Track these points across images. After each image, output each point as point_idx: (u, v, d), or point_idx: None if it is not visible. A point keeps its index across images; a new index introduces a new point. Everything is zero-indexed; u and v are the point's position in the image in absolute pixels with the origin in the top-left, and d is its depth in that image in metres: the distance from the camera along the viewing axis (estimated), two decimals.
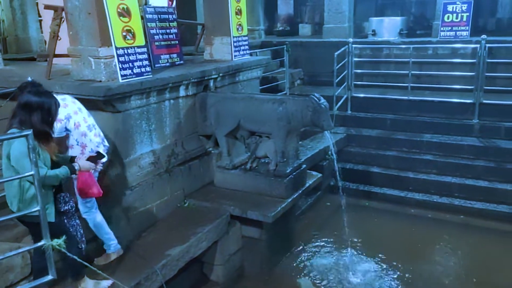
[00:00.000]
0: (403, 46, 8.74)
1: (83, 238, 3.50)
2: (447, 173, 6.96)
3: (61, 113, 3.50)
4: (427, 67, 8.44)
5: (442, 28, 8.93)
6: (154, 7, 5.65)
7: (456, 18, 8.78)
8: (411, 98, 7.91)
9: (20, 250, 3.17)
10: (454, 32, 8.83)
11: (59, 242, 2.85)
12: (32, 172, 2.65)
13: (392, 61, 8.88)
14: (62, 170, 2.97)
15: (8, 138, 2.81)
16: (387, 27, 10.02)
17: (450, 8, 8.81)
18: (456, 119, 7.51)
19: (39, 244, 2.82)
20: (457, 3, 8.76)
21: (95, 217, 3.85)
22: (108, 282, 3.54)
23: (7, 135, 2.83)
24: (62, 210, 3.26)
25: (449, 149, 7.17)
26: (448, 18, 8.85)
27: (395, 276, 5.07)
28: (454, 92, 7.85)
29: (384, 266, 5.26)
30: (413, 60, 8.02)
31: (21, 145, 2.73)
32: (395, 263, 5.29)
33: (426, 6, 11.41)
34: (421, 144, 7.41)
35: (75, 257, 3.03)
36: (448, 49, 8.49)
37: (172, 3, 6.51)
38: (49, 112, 2.95)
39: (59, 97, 3.47)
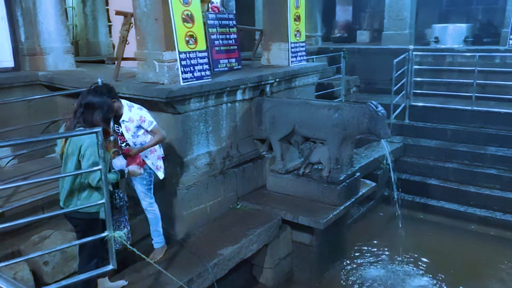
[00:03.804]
0: (468, 54, 8.36)
1: (129, 235, 3.70)
2: None
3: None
4: (493, 77, 7.99)
5: (511, 36, 8.43)
6: (216, 14, 5.82)
7: None
8: (475, 108, 7.54)
9: (84, 240, 3.37)
10: None
11: (120, 234, 3.02)
12: (100, 167, 2.83)
13: (456, 70, 8.50)
14: (114, 175, 3.16)
15: (79, 134, 3.03)
16: (451, 34, 9.64)
17: None
18: None
19: (103, 235, 2.99)
20: None
21: (156, 210, 4.06)
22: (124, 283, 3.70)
23: (78, 131, 3.05)
24: (118, 206, 3.47)
25: None
26: None
27: None
28: None
29: (439, 284, 5.03)
30: (478, 69, 7.64)
31: (93, 139, 2.88)
32: (451, 281, 5.04)
33: (494, 13, 10.83)
34: (484, 157, 7.03)
35: (134, 249, 3.19)
36: None
37: (218, 10, 6.65)
38: (108, 111, 3.16)
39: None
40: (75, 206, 3.06)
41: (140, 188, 3.94)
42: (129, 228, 3.73)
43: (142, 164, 3.73)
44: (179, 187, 4.47)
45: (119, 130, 3.83)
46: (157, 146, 3.95)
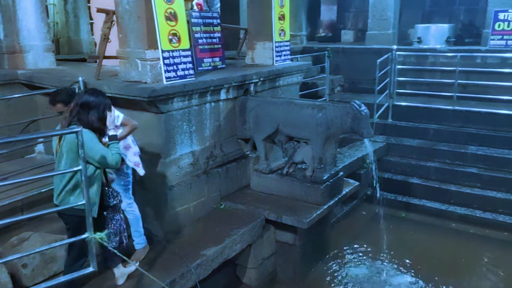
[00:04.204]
0: (450, 54, 8.48)
1: (125, 233, 3.65)
2: (492, 188, 6.68)
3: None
4: (474, 77, 8.12)
5: (492, 37, 8.59)
6: (200, 12, 5.78)
7: (508, 26, 8.42)
8: (456, 108, 7.65)
9: (64, 242, 3.33)
10: (505, 41, 8.47)
11: (101, 235, 2.98)
12: (80, 167, 2.79)
13: (438, 70, 8.61)
14: (115, 145, 3.15)
15: (57, 134, 2.99)
16: (434, 35, 9.76)
17: (501, 16, 8.46)
18: (504, 131, 7.20)
19: (83, 236, 2.95)
20: (509, 11, 8.40)
21: (136, 210, 4.01)
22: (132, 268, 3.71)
23: (57, 131, 3.00)
24: (111, 204, 3.44)
25: (495, 162, 6.87)
26: (499, 27, 8.50)
27: None
28: (502, 103, 7.52)
29: (421, 281, 5.10)
30: (460, 69, 7.75)
31: (87, 136, 2.95)
32: (432, 278, 5.12)
33: (475, 14, 11.01)
34: (465, 156, 7.15)
35: (115, 251, 3.15)
36: (497, 58, 8.15)
37: (201, 8, 6.62)
38: (104, 111, 3.16)
39: None
40: (67, 203, 3.06)
41: (117, 188, 3.87)
42: (124, 226, 3.69)
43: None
44: (162, 187, 4.43)
45: None
46: (132, 143, 3.91)
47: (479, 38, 9.39)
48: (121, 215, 3.61)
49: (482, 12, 9.70)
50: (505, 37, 8.47)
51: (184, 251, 4.14)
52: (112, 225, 3.47)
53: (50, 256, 3.71)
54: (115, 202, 3.46)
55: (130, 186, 3.97)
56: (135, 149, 3.97)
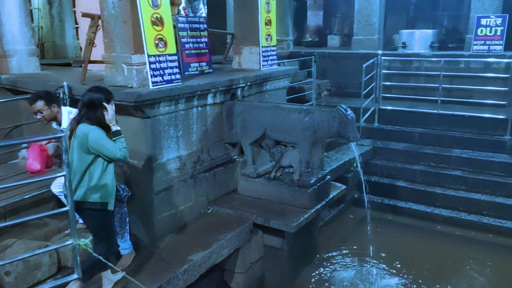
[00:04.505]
0: (434, 59, 8.60)
1: (127, 227, 3.84)
2: (477, 190, 6.77)
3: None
4: (458, 81, 8.27)
5: (475, 42, 8.74)
6: (186, 17, 5.78)
7: (490, 32, 8.58)
8: (441, 112, 7.76)
9: (48, 249, 3.30)
10: (487, 46, 8.63)
11: (85, 242, 2.96)
12: (64, 173, 2.76)
13: (422, 74, 8.74)
14: (121, 139, 3.29)
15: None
16: (418, 40, 9.89)
17: (483, 22, 8.62)
18: (487, 134, 7.32)
19: (67, 243, 2.92)
20: (491, 16, 8.57)
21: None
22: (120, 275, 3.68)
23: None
24: (123, 197, 3.70)
25: (479, 165, 6.98)
26: (481, 32, 8.65)
27: None
28: (486, 107, 7.66)
29: (408, 283, 5.14)
30: (444, 73, 7.88)
31: (96, 132, 3.16)
32: (419, 280, 5.17)
33: (458, 19, 11.22)
34: (450, 159, 7.25)
35: (100, 257, 3.12)
36: (480, 63, 8.30)
37: (186, 12, 6.64)
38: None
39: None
40: (85, 198, 3.20)
41: None
42: (127, 219, 3.80)
43: None
44: (148, 193, 4.40)
45: None
46: None
47: (462, 43, 9.55)
48: (125, 208, 3.71)
49: (465, 17, 9.88)
50: (487, 42, 8.62)
51: (171, 257, 4.11)
52: (118, 218, 3.62)
53: (34, 263, 3.64)
54: (124, 194, 3.70)
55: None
56: None
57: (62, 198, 3.92)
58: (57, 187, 3.97)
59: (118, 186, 3.58)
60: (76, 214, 3.13)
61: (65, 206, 3.02)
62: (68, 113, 3.76)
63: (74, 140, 3.20)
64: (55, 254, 3.77)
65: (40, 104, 3.70)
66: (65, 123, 3.70)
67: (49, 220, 4.32)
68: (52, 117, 3.84)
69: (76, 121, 3.25)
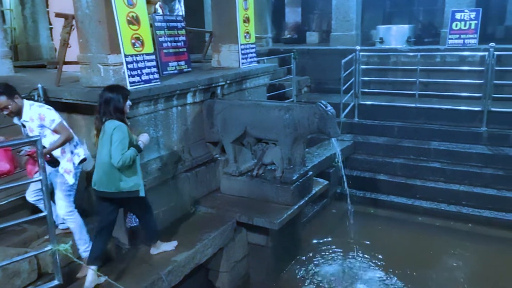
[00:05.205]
0: (411, 53, 8.73)
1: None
2: (455, 181, 6.92)
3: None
4: (435, 75, 8.41)
5: (450, 36, 8.91)
6: (163, 16, 5.72)
7: (465, 26, 8.76)
8: (418, 105, 7.89)
9: (27, 255, 3.22)
10: (462, 40, 8.81)
11: (65, 247, 2.89)
12: (40, 177, 2.69)
13: (400, 69, 8.86)
14: (131, 152, 3.53)
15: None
16: (395, 35, 10.03)
17: (458, 16, 8.80)
18: (464, 126, 7.48)
19: (46, 249, 2.85)
20: (465, 11, 8.75)
21: (77, 218, 3.82)
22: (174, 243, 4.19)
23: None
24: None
25: (457, 157, 7.12)
26: (456, 26, 8.83)
27: (402, 285, 5.03)
28: (462, 100, 7.81)
29: (391, 275, 5.22)
30: (420, 67, 8.00)
31: (121, 129, 3.48)
32: (402, 271, 5.24)
33: (434, 14, 11.41)
34: (428, 152, 7.37)
35: (81, 262, 3.06)
36: (456, 56, 8.46)
37: (163, 9, 6.56)
38: (119, 102, 3.55)
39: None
40: (118, 188, 3.53)
41: (59, 194, 3.72)
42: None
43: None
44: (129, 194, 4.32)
45: (25, 131, 3.64)
46: (67, 148, 3.73)
47: (438, 37, 9.73)
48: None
49: (440, 12, 10.06)
50: (462, 36, 8.80)
51: (154, 258, 4.06)
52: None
53: (12, 270, 3.53)
54: None
55: (73, 193, 3.80)
56: (69, 154, 3.76)
57: (40, 205, 3.81)
58: (33, 195, 3.83)
59: None
60: (54, 220, 3.06)
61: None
62: (29, 105, 3.60)
63: (103, 136, 3.49)
64: (34, 260, 3.67)
65: (2, 99, 3.51)
66: (26, 115, 3.55)
67: (28, 226, 4.21)
68: (18, 109, 3.58)
69: (99, 119, 3.55)
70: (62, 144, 3.65)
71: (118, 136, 3.45)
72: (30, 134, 3.59)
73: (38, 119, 3.56)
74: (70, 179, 3.75)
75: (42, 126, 3.59)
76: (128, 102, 3.67)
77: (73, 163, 3.77)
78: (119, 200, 3.66)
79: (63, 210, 3.74)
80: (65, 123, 3.75)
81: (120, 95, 3.57)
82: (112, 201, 3.65)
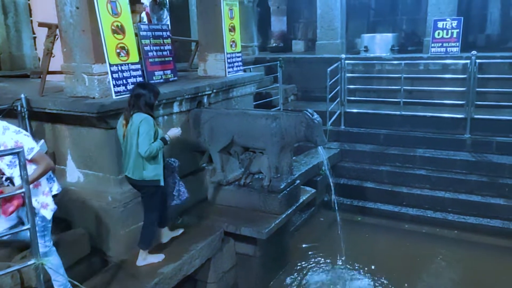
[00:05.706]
0: (395, 62, 8.84)
1: (186, 194, 4.40)
2: (441, 188, 6.98)
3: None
4: (418, 83, 8.52)
5: (432, 45, 9.05)
6: (148, 25, 5.69)
7: (447, 34, 8.91)
8: (403, 113, 7.97)
9: (10, 270, 3.13)
10: (444, 48, 8.95)
11: (48, 259, 2.83)
12: (23, 190, 2.63)
13: (384, 77, 8.95)
14: (158, 143, 3.81)
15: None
16: (379, 44, 10.16)
17: (440, 25, 8.95)
18: (448, 134, 7.57)
19: (29, 263, 2.78)
20: (447, 20, 8.91)
21: (55, 258, 3.44)
22: (162, 256, 4.21)
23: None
24: (173, 169, 4.31)
25: (442, 164, 7.20)
26: (438, 35, 8.98)
27: None
28: (445, 107, 7.92)
29: (379, 282, 5.22)
30: (404, 75, 8.10)
31: (148, 122, 3.75)
32: (389, 279, 5.25)
33: (417, 23, 11.59)
34: (414, 159, 7.44)
35: (77, 283, 2.99)
36: (439, 65, 8.58)
37: (150, 19, 6.56)
38: (150, 98, 3.85)
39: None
40: (141, 177, 3.85)
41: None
42: (184, 186, 4.39)
43: (22, 204, 3.01)
44: (115, 206, 4.26)
45: None
46: (45, 180, 3.31)
47: (421, 46, 9.87)
48: (178, 177, 4.37)
49: (422, 21, 10.21)
50: (444, 44, 8.95)
51: (141, 271, 4.00)
52: (172, 188, 4.29)
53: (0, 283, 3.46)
54: (174, 165, 4.33)
55: (48, 232, 3.37)
56: (45, 186, 3.32)
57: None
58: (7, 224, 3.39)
59: (168, 161, 4.33)
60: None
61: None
62: (3, 129, 3.12)
63: (131, 127, 3.73)
64: (17, 274, 3.58)
65: None
66: None
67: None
68: None
69: (128, 111, 3.81)
70: (43, 174, 3.21)
71: (144, 128, 3.70)
72: (0, 163, 3.19)
73: (14, 146, 3.05)
74: (48, 214, 3.30)
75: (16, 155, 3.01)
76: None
77: (52, 197, 3.36)
78: (141, 188, 3.97)
79: (40, 249, 3.06)
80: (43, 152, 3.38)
81: (152, 92, 3.87)
82: (139, 188, 4.00)
